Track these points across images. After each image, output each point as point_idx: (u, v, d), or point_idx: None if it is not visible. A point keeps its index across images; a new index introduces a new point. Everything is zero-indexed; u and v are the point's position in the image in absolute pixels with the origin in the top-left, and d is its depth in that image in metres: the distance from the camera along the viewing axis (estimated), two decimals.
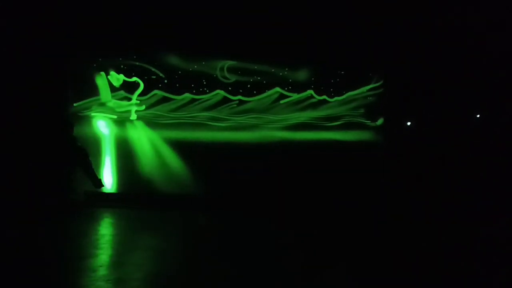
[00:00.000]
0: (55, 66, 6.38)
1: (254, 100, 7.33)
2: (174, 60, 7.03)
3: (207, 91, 7.15)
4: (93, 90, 6.72)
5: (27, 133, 6.01)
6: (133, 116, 6.86)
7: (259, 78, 7.34)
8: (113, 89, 6.79)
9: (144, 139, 6.89)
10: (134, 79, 6.85)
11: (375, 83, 7.72)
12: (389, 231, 5.55)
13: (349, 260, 4.18)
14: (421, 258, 4.29)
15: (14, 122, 6.08)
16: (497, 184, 7.56)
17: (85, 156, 5.79)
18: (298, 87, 7.49)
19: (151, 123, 6.93)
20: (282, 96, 7.44)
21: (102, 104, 6.77)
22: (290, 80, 7.47)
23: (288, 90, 7.46)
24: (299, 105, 7.50)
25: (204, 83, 7.14)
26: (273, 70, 7.40)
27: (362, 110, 7.68)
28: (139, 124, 6.87)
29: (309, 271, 3.74)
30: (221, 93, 7.19)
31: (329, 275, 3.65)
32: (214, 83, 7.18)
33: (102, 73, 6.73)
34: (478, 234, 5.49)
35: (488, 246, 4.83)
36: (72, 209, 5.88)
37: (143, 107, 6.90)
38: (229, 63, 7.25)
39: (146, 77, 6.90)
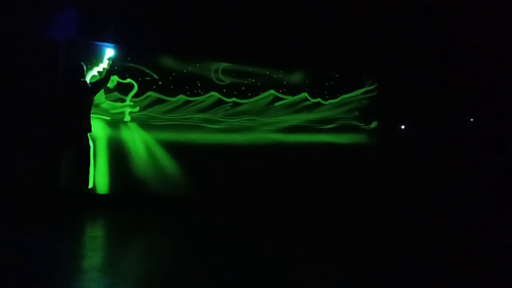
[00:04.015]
0: (48, 66, 6.33)
1: (248, 102, 7.34)
2: (168, 61, 7.01)
3: (202, 93, 7.13)
4: None
5: (21, 132, 5.99)
6: (127, 118, 6.82)
7: (253, 80, 7.35)
8: (107, 90, 6.74)
9: (137, 141, 6.86)
10: (128, 80, 6.81)
11: (369, 86, 7.76)
12: (383, 233, 5.56)
13: (345, 262, 4.18)
14: (415, 260, 4.30)
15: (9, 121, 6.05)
16: (491, 185, 7.63)
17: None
18: (292, 90, 7.51)
19: (145, 124, 6.89)
20: (277, 99, 7.45)
21: (96, 105, 6.71)
22: (285, 83, 7.48)
23: (283, 93, 7.47)
24: (293, 108, 7.51)
25: (199, 84, 7.12)
26: (267, 73, 7.41)
27: (356, 113, 7.71)
28: (133, 126, 6.83)
29: (305, 275, 3.74)
30: (215, 95, 7.18)
31: (326, 279, 3.64)
32: (208, 85, 7.16)
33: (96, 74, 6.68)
34: (474, 237, 5.52)
35: (484, 249, 4.85)
36: (64, 210, 5.84)
37: (137, 108, 6.87)
38: (223, 65, 7.25)
39: (140, 79, 6.87)
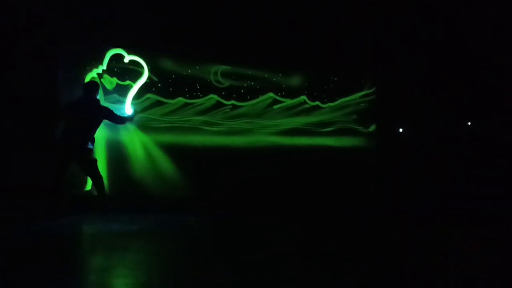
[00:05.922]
0: (47, 67, 6.36)
1: (247, 105, 7.35)
2: (167, 64, 7.02)
3: (201, 95, 7.15)
4: None
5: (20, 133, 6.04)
6: None
7: (252, 83, 7.37)
8: (106, 92, 6.76)
9: (136, 143, 6.87)
10: (127, 82, 6.83)
11: (367, 89, 7.78)
12: (382, 236, 5.57)
13: (345, 265, 4.19)
14: (415, 263, 4.31)
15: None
16: (488, 188, 7.64)
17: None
18: (291, 93, 7.53)
19: (144, 126, 6.90)
20: (275, 102, 7.46)
21: None
22: (284, 86, 7.50)
23: (281, 96, 7.49)
24: (292, 111, 7.53)
25: (198, 87, 7.14)
26: (266, 76, 7.43)
27: (354, 116, 7.72)
28: (132, 128, 6.84)
29: (304, 277, 3.74)
30: (214, 97, 7.20)
31: (326, 282, 3.65)
32: (207, 88, 7.17)
33: (96, 75, 6.70)
34: (473, 237, 5.52)
35: (484, 250, 4.86)
36: (62, 212, 5.84)
37: None
38: (223, 67, 7.26)
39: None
